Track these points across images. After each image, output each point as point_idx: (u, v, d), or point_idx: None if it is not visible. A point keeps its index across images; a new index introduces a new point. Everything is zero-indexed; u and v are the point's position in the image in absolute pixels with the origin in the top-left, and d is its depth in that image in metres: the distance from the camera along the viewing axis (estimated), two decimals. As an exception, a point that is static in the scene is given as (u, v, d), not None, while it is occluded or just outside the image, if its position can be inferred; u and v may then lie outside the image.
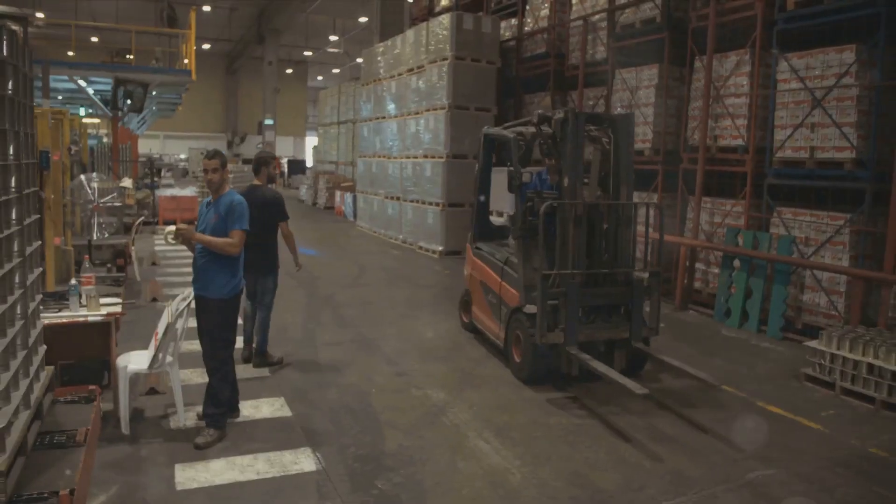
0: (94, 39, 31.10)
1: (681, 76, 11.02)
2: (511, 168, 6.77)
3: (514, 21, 15.69)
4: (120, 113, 18.03)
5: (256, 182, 6.67)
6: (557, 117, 6.38)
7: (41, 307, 4.15)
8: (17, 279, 3.26)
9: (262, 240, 6.32)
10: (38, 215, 3.58)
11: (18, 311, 3.25)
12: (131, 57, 21.33)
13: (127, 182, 15.55)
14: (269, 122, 34.57)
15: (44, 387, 3.53)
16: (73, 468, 3.06)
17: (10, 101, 3.23)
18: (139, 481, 4.36)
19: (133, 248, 10.61)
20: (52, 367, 3.78)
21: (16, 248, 3.28)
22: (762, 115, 9.24)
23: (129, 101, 17.00)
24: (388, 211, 16.74)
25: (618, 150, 6.54)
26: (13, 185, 3.26)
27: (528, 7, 15.17)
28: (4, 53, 3.11)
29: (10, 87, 3.22)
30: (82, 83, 16.73)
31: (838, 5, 8.06)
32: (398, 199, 16.12)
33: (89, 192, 10.13)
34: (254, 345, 6.79)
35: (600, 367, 5.75)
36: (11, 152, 3.24)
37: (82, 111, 20.04)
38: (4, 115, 3.17)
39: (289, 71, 44.78)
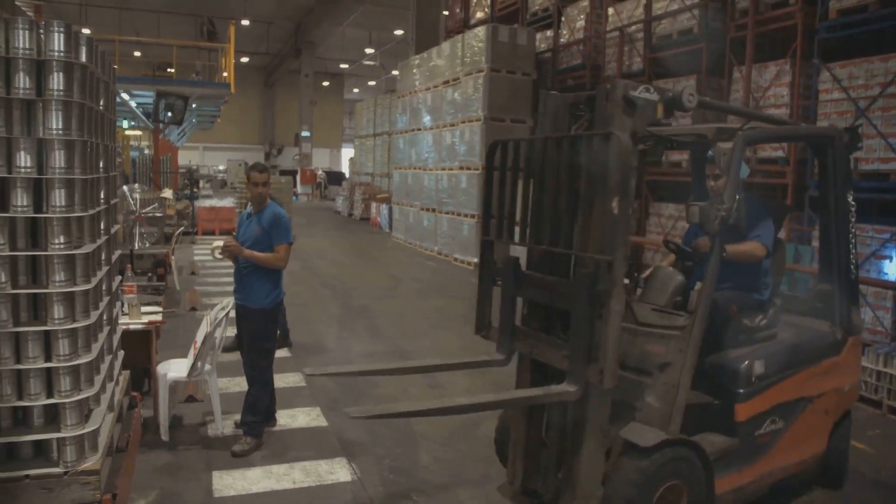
0: (137, 54, 31.81)
1: (719, 87, 10.89)
2: None
3: (549, 33, 15.69)
4: (161, 125, 18.42)
5: None
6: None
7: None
8: (104, 286, 3.39)
9: None
10: (118, 225, 3.74)
11: (105, 317, 3.37)
12: (172, 70, 21.78)
13: (167, 193, 15.87)
14: (305, 133, 35.03)
15: (122, 390, 3.66)
16: (115, 473, 3.12)
17: (101, 116, 3.37)
18: (178, 487, 4.41)
19: (173, 257, 10.79)
20: (128, 372, 3.90)
21: (103, 256, 3.41)
22: (803, 126, 9.10)
23: (169, 114, 17.36)
24: (424, 222, 16.78)
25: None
26: (102, 196, 3.39)
27: (563, 19, 15.16)
28: (99, 71, 3.24)
29: (101, 103, 3.36)
30: (125, 96, 17.12)
31: (883, 13, 7.90)
32: (433, 210, 16.16)
33: (131, 202, 10.33)
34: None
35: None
36: (102, 165, 3.38)
37: (125, 123, 20.53)
38: (100, 130, 3.32)
39: (325, 83, 45.28)
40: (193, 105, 18.47)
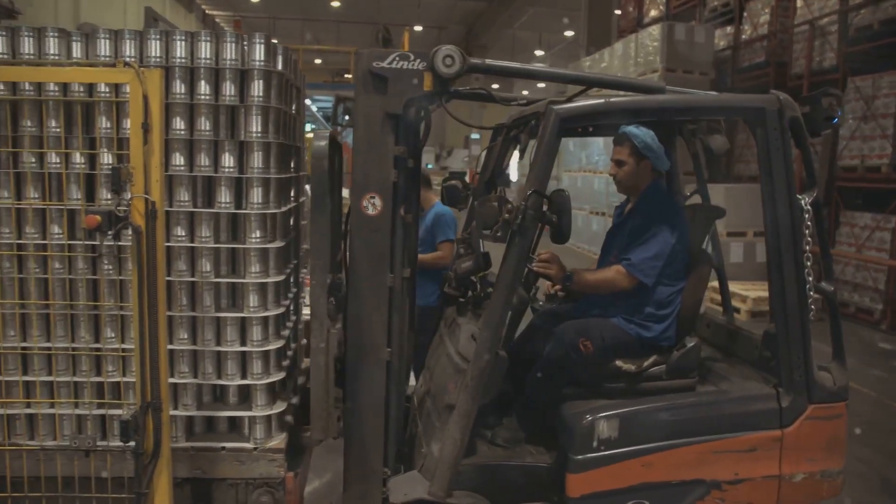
0: (318, 61, 33.84)
1: (928, 83, 9.84)
2: None
3: (729, 29, 14.89)
4: (339, 128, 19.46)
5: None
6: None
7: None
8: (292, 279, 3.71)
9: None
10: (305, 221, 4.05)
11: (292, 307, 3.69)
12: (350, 76, 22.96)
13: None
14: (475, 136, 35.64)
15: (305, 377, 3.97)
16: (297, 453, 3.36)
17: (294, 119, 3.69)
18: (350, 472, 4.65)
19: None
20: (309, 359, 4.21)
21: (292, 251, 3.74)
22: None
23: (347, 117, 18.30)
24: (593, 226, 16.49)
25: None
26: (292, 194, 3.72)
27: (745, 14, 14.32)
28: (292, 77, 3.55)
29: (293, 107, 3.68)
30: (307, 101, 18.29)
31: None
32: (603, 214, 15.85)
33: (312, 201, 11.01)
34: None
35: None
36: (293, 165, 3.71)
37: (307, 127, 21.91)
38: (291, 133, 3.65)
39: (495, 86, 45.77)
40: (369, 109, 19.39)
